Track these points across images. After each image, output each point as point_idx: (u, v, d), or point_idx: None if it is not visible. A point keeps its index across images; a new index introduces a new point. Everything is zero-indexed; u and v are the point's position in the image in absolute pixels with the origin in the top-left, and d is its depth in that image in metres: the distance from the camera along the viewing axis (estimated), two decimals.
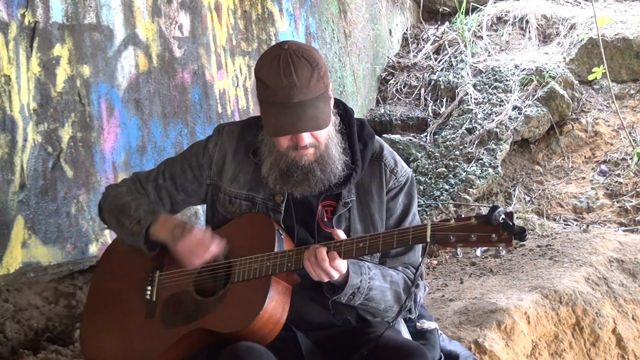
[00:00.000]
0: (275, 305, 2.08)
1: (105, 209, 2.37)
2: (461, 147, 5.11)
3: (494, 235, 1.91)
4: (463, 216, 1.98)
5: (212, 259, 2.17)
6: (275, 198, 2.22)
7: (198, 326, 2.11)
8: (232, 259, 2.16)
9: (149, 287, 2.25)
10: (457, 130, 5.22)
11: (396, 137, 5.28)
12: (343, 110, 2.27)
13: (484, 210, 4.25)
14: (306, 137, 2.10)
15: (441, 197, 4.83)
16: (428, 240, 1.97)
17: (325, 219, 2.21)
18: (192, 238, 2.16)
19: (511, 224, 1.89)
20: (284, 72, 2.04)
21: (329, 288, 2.13)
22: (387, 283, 2.18)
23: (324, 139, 2.14)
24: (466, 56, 5.85)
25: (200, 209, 3.62)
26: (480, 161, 5.02)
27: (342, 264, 2.06)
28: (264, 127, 2.15)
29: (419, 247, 2.27)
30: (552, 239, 4.18)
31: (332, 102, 2.16)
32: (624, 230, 4.46)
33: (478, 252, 1.94)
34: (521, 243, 4.15)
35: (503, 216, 1.89)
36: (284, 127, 2.07)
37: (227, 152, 2.29)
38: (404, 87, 5.86)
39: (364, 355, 2.06)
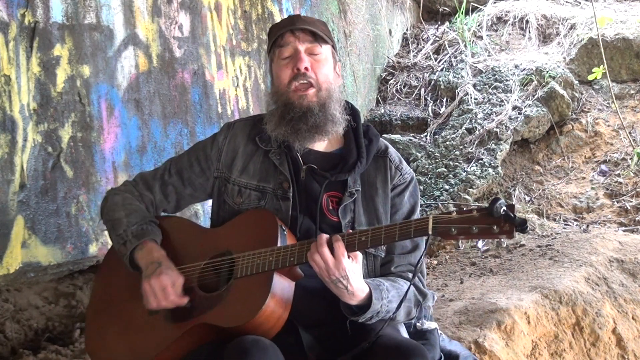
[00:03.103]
0: (278, 300, 2.08)
1: (103, 218, 2.40)
2: (461, 147, 5.11)
3: (495, 227, 1.91)
4: (465, 209, 1.98)
5: (171, 306, 2.16)
6: (282, 185, 2.24)
7: (201, 321, 2.11)
8: (235, 255, 2.17)
9: None
10: (457, 130, 5.22)
11: (396, 137, 5.27)
12: (350, 109, 2.33)
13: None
14: (305, 59, 2.22)
15: (441, 197, 4.83)
16: (430, 232, 1.97)
17: (331, 207, 2.23)
18: (159, 281, 2.14)
19: (512, 215, 1.89)
20: (289, 16, 2.36)
21: (348, 309, 2.11)
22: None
23: (323, 78, 2.23)
24: (466, 56, 5.85)
25: (201, 209, 3.62)
26: (480, 161, 5.01)
27: (353, 271, 2.02)
28: (269, 56, 2.32)
29: (423, 248, 2.26)
30: (552, 239, 4.18)
31: (335, 57, 2.31)
32: (624, 230, 4.46)
33: (480, 243, 1.94)
34: (521, 243, 4.15)
35: (504, 208, 1.90)
36: (282, 29, 2.26)
37: (238, 145, 2.33)
38: (404, 87, 5.86)
39: (365, 348, 2.07)
